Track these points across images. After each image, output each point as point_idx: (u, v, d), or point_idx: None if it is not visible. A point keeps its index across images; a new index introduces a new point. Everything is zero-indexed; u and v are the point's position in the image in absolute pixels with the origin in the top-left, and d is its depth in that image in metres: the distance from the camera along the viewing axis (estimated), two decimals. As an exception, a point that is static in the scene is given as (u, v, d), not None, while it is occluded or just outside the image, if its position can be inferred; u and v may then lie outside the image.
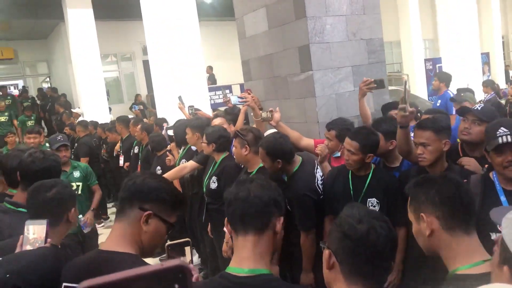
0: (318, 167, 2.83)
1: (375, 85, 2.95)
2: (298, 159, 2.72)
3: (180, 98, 5.62)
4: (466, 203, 1.29)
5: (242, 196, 1.32)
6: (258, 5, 3.88)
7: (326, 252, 1.17)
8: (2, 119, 10.43)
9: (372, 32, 3.65)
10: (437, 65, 11.85)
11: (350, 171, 2.61)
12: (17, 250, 1.50)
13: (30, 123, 10.57)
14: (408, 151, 2.48)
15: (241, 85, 9.43)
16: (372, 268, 1.12)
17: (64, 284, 1.41)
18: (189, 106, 5.46)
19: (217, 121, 3.95)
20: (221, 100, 9.31)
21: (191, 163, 3.77)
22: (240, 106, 4.14)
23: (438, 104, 5.98)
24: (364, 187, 2.54)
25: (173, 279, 0.41)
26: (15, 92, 14.96)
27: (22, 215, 1.96)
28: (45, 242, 1.50)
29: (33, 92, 14.96)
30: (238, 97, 3.38)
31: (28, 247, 1.49)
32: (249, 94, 3.58)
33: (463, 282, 1.17)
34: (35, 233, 1.50)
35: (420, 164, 2.35)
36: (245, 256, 1.28)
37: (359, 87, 3.01)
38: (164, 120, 6.17)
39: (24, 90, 14.02)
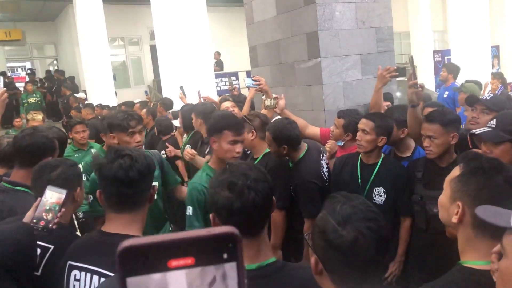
0: (324, 154, 2.84)
1: (397, 73, 2.89)
2: (304, 146, 2.73)
3: (181, 88, 5.62)
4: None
5: (253, 202, 1.17)
6: (267, -10, 3.86)
7: (312, 259, 1.09)
8: (32, 100, 10.43)
9: (382, 20, 3.62)
10: (446, 57, 11.72)
11: (359, 159, 2.61)
12: (31, 210, 1.52)
13: (33, 99, 10.46)
14: (419, 132, 2.43)
15: (248, 73, 9.41)
16: (364, 274, 1.04)
17: (69, 262, 1.44)
18: (180, 86, 5.49)
19: (226, 104, 3.94)
20: (227, 87, 9.30)
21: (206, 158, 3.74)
22: (246, 94, 4.13)
23: (445, 96, 5.95)
24: (372, 175, 2.54)
25: (222, 247, 0.36)
26: (22, 74, 14.95)
27: (20, 194, 1.99)
28: (60, 210, 1.52)
29: (40, 74, 15.00)
30: (253, 79, 3.33)
31: (44, 213, 1.51)
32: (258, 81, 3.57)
33: (467, 275, 1.15)
34: (52, 197, 1.53)
35: (427, 157, 2.34)
36: (252, 254, 1.21)
37: (379, 75, 2.89)
38: (170, 101, 6.19)
39: (32, 73, 13.95)
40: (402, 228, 2.54)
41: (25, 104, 10.40)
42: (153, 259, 0.35)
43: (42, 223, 1.49)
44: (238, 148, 2.23)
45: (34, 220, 1.49)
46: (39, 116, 5.22)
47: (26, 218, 1.51)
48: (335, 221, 1.03)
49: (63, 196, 1.54)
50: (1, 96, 2.29)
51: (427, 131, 2.28)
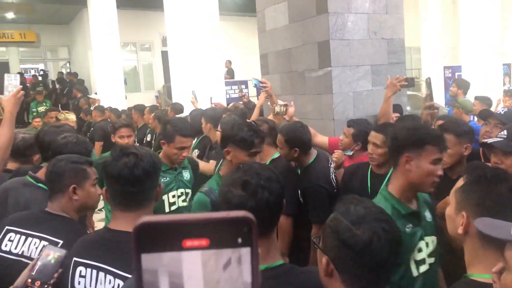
0: (332, 162, 2.84)
1: (406, 83, 2.91)
2: (314, 152, 2.73)
3: (193, 92, 5.67)
4: None
5: (266, 202, 1.17)
6: (280, -1, 3.90)
7: (323, 259, 1.08)
8: (42, 109, 10.55)
9: (394, 32, 3.63)
10: (457, 73, 11.68)
11: (369, 169, 2.59)
12: (27, 269, 1.49)
13: (42, 109, 10.61)
14: None
15: (257, 81, 9.42)
16: (376, 275, 1.04)
17: (74, 258, 1.44)
18: (192, 91, 5.54)
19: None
20: (236, 95, 9.34)
21: (212, 163, 3.74)
22: (256, 101, 4.17)
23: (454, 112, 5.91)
24: (382, 185, 2.52)
25: (237, 231, 0.36)
26: (30, 75, 15.13)
27: (40, 191, 2.03)
28: (57, 271, 1.48)
29: (52, 76, 15.21)
30: (259, 81, 3.36)
31: (40, 273, 1.47)
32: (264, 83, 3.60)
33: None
34: (49, 256, 1.50)
35: None
36: (262, 255, 1.18)
37: (388, 84, 2.92)
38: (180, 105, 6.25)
39: (45, 74, 14.16)
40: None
41: (34, 113, 10.49)
42: (169, 237, 0.35)
43: (37, 283, 1.46)
44: (440, 170, 1.68)
45: (29, 280, 1.46)
46: (72, 116, 4.96)
47: (21, 278, 1.48)
48: (349, 221, 1.03)
49: (63, 255, 1.49)
50: (17, 94, 2.32)
51: None
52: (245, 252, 0.36)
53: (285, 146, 2.63)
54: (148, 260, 0.35)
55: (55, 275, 1.48)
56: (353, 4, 3.42)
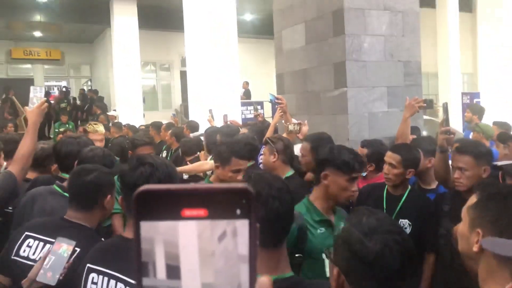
0: None
1: (424, 104, 2.92)
2: None
3: (210, 111, 5.77)
4: None
5: (277, 211, 1.17)
6: (298, 20, 3.97)
7: (334, 271, 1.08)
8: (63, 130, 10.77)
9: (410, 55, 3.65)
10: (475, 100, 11.58)
11: (385, 190, 2.57)
12: (39, 262, 1.54)
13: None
14: (445, 177, 2.42)
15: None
16: (387, 287, 1.03)
17: (88, 265, 1.46)
18: (209, 109, 5.63)
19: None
20: (252, 115, 9.41)
21: (212, 162, 3.78)
22: (271, 121, 4.20)
23: (470, 137, 5.84)
24: (398, 207, 2.49)
25: (236, 203, 0.36)
26: (54, 93, 15.50)
27: (66, 200, 2.07)
28: (68, 261, 1.53)
29: (74, 93, 15.61)
30: (275, 97, 3.41)
31: (51, 264, 1.53)
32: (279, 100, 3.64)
33: None
34: (60, 248, 1.56)
35: (456, 189, 2.28)
36: (272, 266, 1.18)
37: (407, 105, 2.94)
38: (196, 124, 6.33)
39: (67, 91, 14.49)
40: (426, 264, 2.46)
41: (58, 134, 10.68)
42: (168, 206, 0.35)
43: (49, 274, 1.51)
44: None
45: (42, 272, 1.50)
46: (101, 127, 4.65)
47: (34, 269, 1.52)
48: (360, 232, 1.03)
49: (72, 247, 1.55)
50: (41, 105, 2.39)
51: (458, 162, 2.23)
52: (242, 224, 0.36)
53: (310, 153, 2.63)
54: (147, 228, 0.35)
55: (66, 265, 1.52)
56: (370, 26, 3.47)
